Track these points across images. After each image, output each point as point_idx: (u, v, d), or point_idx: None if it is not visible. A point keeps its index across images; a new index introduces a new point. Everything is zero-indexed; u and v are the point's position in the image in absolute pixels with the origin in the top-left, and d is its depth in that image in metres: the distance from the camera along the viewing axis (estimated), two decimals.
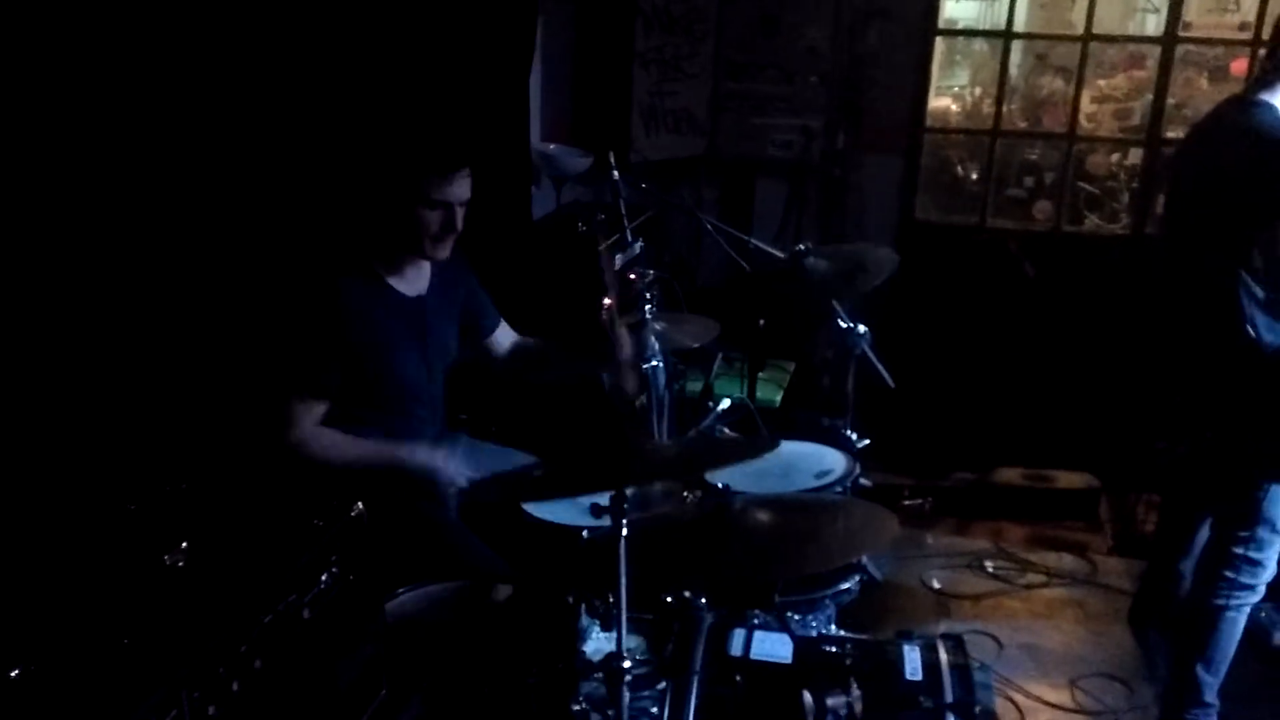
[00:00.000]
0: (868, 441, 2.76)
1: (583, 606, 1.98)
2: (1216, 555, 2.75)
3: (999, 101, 4.83)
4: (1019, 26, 4.87)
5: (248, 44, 2.66)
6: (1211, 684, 2.77)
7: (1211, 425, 2.73)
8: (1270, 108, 2.57)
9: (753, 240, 4.13)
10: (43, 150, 2.20)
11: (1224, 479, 2.71)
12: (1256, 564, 2.68)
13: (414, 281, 2.61)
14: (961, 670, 1.98)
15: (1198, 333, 2.69)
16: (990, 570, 3.74)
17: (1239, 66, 4.56)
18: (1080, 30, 4.67)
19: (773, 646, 2.02)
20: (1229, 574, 2.70)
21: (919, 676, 1.96)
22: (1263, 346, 2.52)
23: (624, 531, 1.69)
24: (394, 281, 2.57)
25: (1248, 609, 2.75)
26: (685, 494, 2.41)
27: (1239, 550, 2.67)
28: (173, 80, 2.48)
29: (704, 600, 2.07)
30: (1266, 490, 2.59)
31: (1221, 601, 2.71)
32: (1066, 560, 3.82)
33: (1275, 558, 2.70)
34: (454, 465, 2.52)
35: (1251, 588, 2.71)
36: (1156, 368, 3.01)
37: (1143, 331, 3.23)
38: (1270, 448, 2.56)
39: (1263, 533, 2.64)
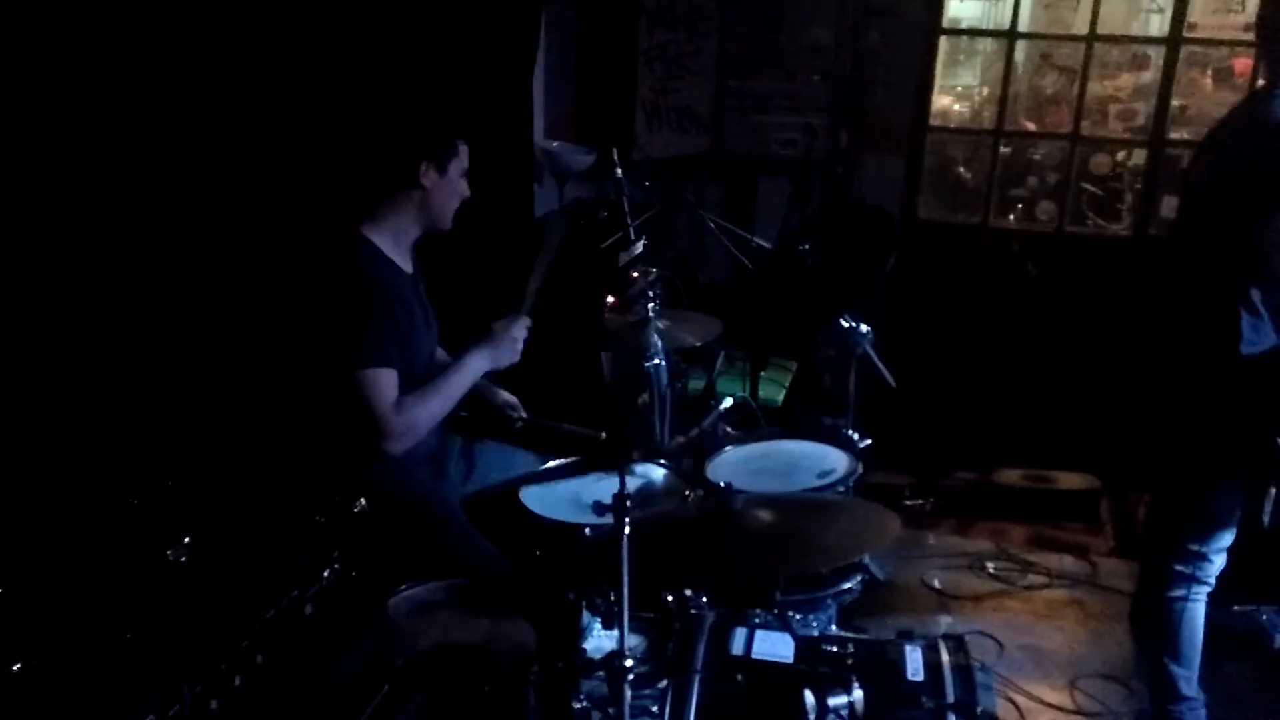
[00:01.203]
0: (869, 441, 2.75)
1: (584, 604, 1.98)
2: (1166, 549, 2.72)
3: (1002, 101, 4.81)
4: (1023, 26, 4.85)
5: (251, 45, 2.66)
6: (1187, 676, 2.75)
7: (1188, 424, 2.71)
8: None
9: (755, 239, 4.14)
10: (45, 142, 2.20)
11: (1190, 474, 2.69)
12: (1203, 557, 2.66)
13: (408, 261, 2.60)
14: (963, 670, 1.98)
15: (1186, 336, 2.68)
16: (991, 571, 3.74)
17: (1243, 67, 4.54)
18: (1084, 30, 4.65)
19: (774, 646, 2.01)
20: (1179, 567, 2.67)
21: (921, 676, 1.96)
22: (1240, 351, 2.51)
23: (626, 530, 1.69)
24: (396, 259, 2.54)
25: (1204, 598, 2.72)
26: (687, 493, 2.41)
27: (1191, 545, 2.65)
28: (193, 81, 2.49)
29: (705, 599, 2.07)
30: (1215, 484, 2.59)
31: (1178, 594, 2.69)
32: (1067, 561, 3.82)
33: (1224, 549, 2.68)
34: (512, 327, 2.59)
35: (1202, 580, 2.69)
36: (1151, 369, 3.00)
37: (1141, 333, 3.22)
38: (1225, 444, 2.54)
39: (1209, 525, 2.62)
